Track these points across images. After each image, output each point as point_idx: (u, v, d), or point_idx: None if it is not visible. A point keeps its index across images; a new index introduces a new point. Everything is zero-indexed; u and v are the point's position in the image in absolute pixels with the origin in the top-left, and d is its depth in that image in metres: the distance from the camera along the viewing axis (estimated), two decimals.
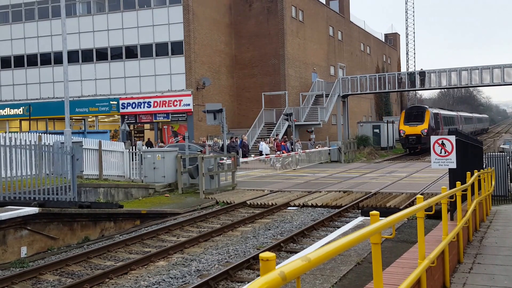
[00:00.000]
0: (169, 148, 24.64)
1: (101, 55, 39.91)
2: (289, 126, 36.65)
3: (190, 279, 9.31)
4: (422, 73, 42.62)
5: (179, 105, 37.25)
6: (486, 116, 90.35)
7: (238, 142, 31.17)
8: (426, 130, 41.49)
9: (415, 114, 42.94)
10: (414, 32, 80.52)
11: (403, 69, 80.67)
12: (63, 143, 16.46)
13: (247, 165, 27.36)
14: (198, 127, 37.14)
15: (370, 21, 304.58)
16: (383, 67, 71.56)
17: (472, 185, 9.87)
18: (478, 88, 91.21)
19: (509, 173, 18.85)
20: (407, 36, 79.51)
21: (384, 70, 68.69)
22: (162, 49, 38.16)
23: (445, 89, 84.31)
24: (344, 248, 3.09)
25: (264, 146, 32.80)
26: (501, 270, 7.46)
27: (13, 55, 42.50)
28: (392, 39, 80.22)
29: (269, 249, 10.75)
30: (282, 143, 33.83)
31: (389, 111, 68.77)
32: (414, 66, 78.44)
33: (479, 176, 11.18)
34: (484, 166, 16.13)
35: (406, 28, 79.37)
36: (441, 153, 9.54)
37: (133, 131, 39.67)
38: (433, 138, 9.75)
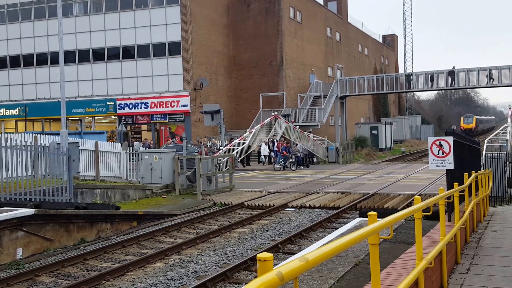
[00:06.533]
0: (166, 149, 24.58)
1: (98, 55, 39.82)
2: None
3: (188, 281, 9.27)
4: (420, 74, 42.72)
5: (177, 106, 37.19)
6: (494, 117, 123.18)
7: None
8: (474, 127, 73.86)
9: (468, 118, 75.21)
10: (412, 34, 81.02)
11: (401, 70, 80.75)
12: (59, 144, 16.38)
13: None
14: (195, 128, 37.09)
15: (368, 22, 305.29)
16: (381, 68, 71.62)
17: (470, 186, 9.85)
18: (475, 89, 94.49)
19: (506, 178, 18.79)
20: (405, 38, 79.61)
21: (382, 71, 68.76)
22: (159, 50, 38.10)
23: (443, 90, 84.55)
24: (341, 249, 3.06)
25: (263, 147, 32.77)
26: (498, 271, 7.44)
27: (9, 55, 42.41)
28: (390, 40, 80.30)
29: (266, 250, 10.72)
30: (283, 144, 33.78)
31: (387, 112, 68.83)
32: (412, 67, 78.50)
33: (476, 177, 11.16)
34: (481, 167, 16.12)
35: (404, 30, 79.45)
36: (438, 154, 9.50)
37: (130, 132, 39.57)
38: (431, 139, 9.70)
